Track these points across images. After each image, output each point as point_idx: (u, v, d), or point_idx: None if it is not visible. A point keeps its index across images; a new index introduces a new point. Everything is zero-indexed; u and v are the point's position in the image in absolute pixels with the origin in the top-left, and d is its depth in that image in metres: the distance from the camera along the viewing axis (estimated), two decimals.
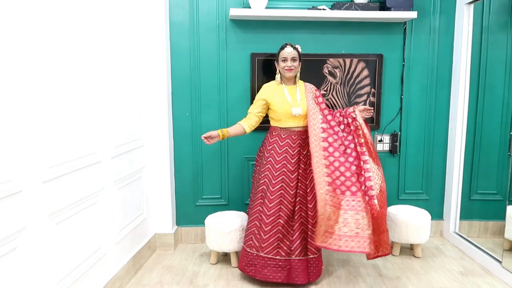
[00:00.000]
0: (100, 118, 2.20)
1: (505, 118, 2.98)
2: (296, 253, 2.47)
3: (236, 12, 2.82)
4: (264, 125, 3.13)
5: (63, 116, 1.83)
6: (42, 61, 1.68)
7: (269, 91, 2.58)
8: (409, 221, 2.84)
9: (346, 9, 2.90)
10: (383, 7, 2.94)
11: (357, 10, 2.89)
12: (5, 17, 1.46)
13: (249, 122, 2.62)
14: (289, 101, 2.52)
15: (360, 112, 2.52)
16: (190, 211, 3.20)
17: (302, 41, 3.00)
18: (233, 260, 2.77)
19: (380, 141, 3.21)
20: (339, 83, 3.12)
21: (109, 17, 2.30)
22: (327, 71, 3.09)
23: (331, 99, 3.12)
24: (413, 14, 2.88)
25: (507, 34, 2.98)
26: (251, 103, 3.06)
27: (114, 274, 2.36)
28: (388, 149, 3.23)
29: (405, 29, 3.10)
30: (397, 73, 3.16)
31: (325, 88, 3.11)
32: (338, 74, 3.10)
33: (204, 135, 2.53)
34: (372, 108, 2.59)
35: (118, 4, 2.43)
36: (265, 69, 3.04)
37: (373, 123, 3.17)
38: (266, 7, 2.89)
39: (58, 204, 1.79)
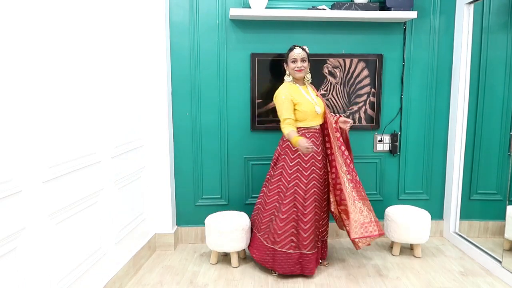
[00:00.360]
0: (100, 118, 2.20)
1: (505, 118, 2.98)
2: (319, 241, 2.72)
3: (236, 12, 2.82)
4: (262, 125, 3.13)
5: (63, 116, 1.83)
6: (42, 61, 1.68)
7: (290, 92, 2.56)
8: (409, 221, 2.84)
9: (346, 9, 2.90)
10: (383, 7, 2.94)
11: (357, 10, 2.89)
12: (6, 18, 1.46)
13: (294, 127, 2.52)
14: (309, 100, 2.58)
15: (341, 124, 2.71)
16: (190, 211, 3.20)
17: (302, 41, 3.00)
18: (233, 260, 2.77)
19: (380, 141, 3.20)
20: (339, 83, 3.11)
21: (109, 17, 2.30)
22: (327, 71, 3.09)
23: (331, 99, 3.12)
24: (413, 14, 2.88)
25: (507, 34, 2.98)
26: (251, 103, 3.07)
27: (114, 274, 2.36)
28: (388, 149, 3.22)
29: (405, 29, 3.10)
30: (397, 73, 3.16)
31: (325, 88, 3.11)
32: (338, 74, 3.10)
33: (307, 146, 2.32)
34: (352, 120, 2.73)
35: (118, 4, 2.43)
36: (265, 69, 3.04)
37: (373, 122, 3.17)
38: (266, 7, 2.89)
39: (58, 204, 1.79)
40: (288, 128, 2.48)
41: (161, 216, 3.04)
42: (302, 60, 2.55)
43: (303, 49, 2.58)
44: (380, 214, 3.23)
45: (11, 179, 1.50)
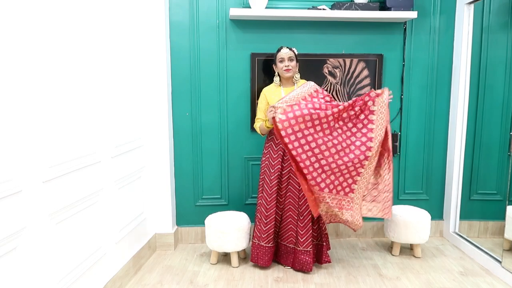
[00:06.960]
0: (100, 117, 2.20)
1: (505, 118, 2.98)
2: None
3: (236, 12, 2.82)
4: None
5: (63, 116, 1.83)
6: (42, 61, 1.68)
7: (268, 94, 2.71)
8: (409, 221, 2.84)
9: (346, 9, 2.90)
10: (383, 7, 2.94)
11: (357, 10, 2.89)
12: (6, 18, 1.46)
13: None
14: None
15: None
16: (190, 211, 3.20)
17: (302, 41, 3.00)
18: (233, 260, 2.77)
19: None
20: (339, 83, 3.12)
21: (109, 17, 2.30)
22: (327, 71, 3.09)
23: None
24: (413, 14, 2.88)
25: (507, 34, 2.98)
26: (251, 103, 3.08)
27: (114, 274, 2.36)
28: None
29: (405, 29, 3.10)
30: (397, 73, 3.16)
31: (325, 88, 3.11)
32: (338, 74, 3.10)
33: (268, 113, 2.44)
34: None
35: (118, 4, 2.43)
36: (265, 69, 3.04)
37: None
38: (266, 7, 2.89)
39: (58, 204, 1.79)
40: (257, 124, 2.70)
41: (161, 216, 3.04)
42: (290, 59, 2.59)
43: (291, 49, 2.61)
44: None
45: (11, 179, 1.50)
